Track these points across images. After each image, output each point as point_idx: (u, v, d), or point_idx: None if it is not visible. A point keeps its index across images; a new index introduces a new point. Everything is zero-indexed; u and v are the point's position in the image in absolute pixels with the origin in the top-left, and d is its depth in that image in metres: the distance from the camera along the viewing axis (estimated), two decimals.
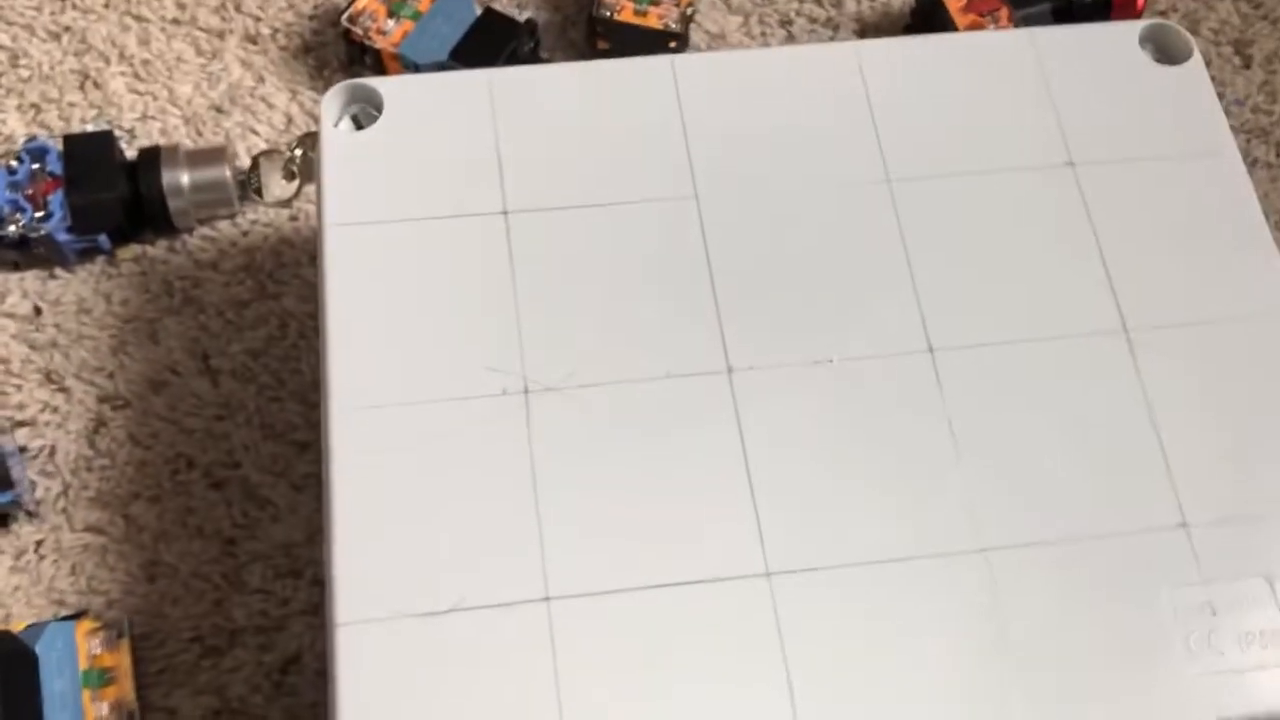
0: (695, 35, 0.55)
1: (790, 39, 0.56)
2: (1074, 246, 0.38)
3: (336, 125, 0.39)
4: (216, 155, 0.49)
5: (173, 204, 0.48)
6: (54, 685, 0.39)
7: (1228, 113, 0.56)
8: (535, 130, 0.38)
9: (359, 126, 0.39)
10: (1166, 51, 0.42)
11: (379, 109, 0.39)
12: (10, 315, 0.48)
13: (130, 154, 0.49)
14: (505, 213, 0.37)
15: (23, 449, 0.45)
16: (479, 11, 0.51)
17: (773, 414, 0.35)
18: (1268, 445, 0.35)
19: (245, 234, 0.50)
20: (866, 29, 0.56)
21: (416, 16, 0.50)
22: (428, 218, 0.37)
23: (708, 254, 0.37)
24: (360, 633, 0.31)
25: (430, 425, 0.34)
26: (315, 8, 0.55)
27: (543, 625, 0.32)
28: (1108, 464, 0.35)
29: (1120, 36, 0.42)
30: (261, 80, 0.53)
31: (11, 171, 0.47)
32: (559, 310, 0.36)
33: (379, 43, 0.50)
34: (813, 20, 0.56)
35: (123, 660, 0.41)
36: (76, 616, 0.42)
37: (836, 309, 0.37)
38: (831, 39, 0.56)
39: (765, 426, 0.35)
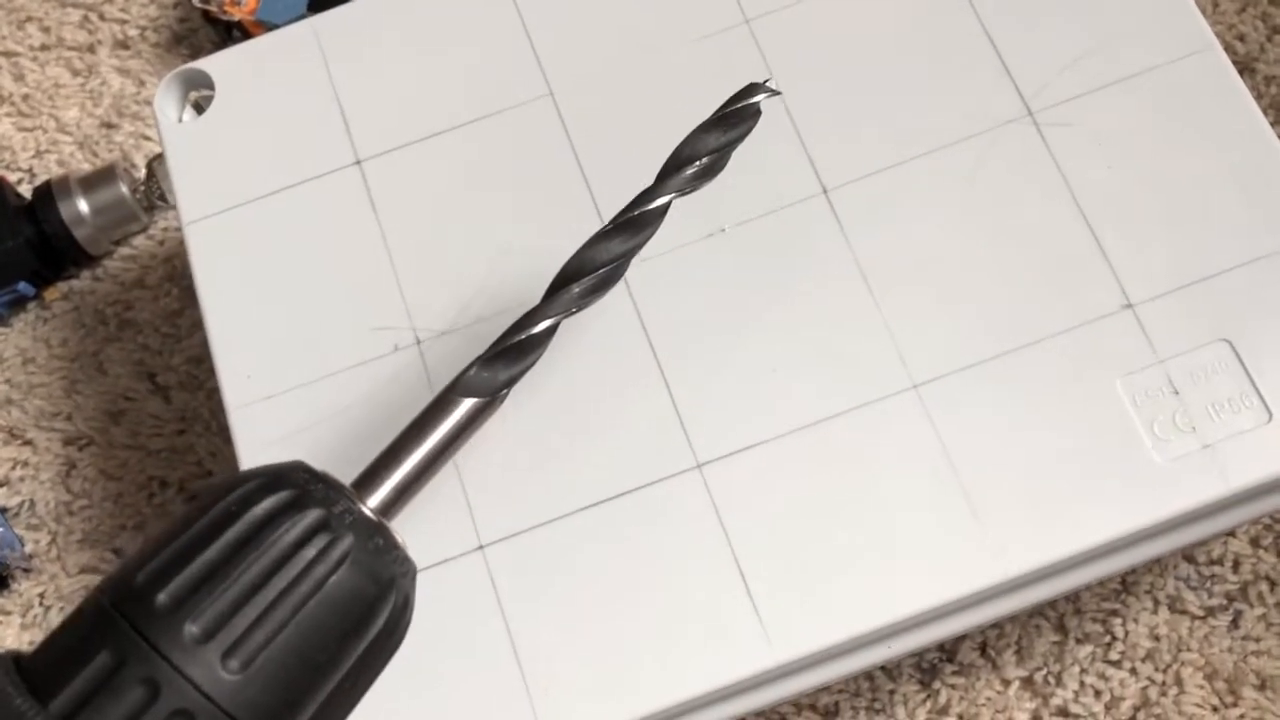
0: None
1: None
2: (958, 40, 0.35)
3: (180, 119, 0.37)
4: (108, 175, 0.47)
5: (79, 234, 0.47)
6: None
7: None
8: (371, 69, 0.36)
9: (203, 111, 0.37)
10: None
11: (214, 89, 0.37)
12: None
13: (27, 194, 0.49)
14: (359, 162, 0.35)
15: (3, 509, 0.46)
16: None
17: (675, 299, 0.33)
18: (1202, 197, 0.32)
19: (161, 244, 0.49)
20: None
21: None
22: (283, 188, 0.35)
23: (574, 151, 0.35)
24: None
25: (328, 402, 0.33)
26: None
27: (482, 573, 0.31)
28: (1036, 263, 0.32)
29: None
30: (142, 84, 0.52)
31: None
32: (434, 250, 0.34)
33: (236, 14, 0.48)
34: None
35: None
36: None
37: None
38: None
39: (666, 314, 0.33)
